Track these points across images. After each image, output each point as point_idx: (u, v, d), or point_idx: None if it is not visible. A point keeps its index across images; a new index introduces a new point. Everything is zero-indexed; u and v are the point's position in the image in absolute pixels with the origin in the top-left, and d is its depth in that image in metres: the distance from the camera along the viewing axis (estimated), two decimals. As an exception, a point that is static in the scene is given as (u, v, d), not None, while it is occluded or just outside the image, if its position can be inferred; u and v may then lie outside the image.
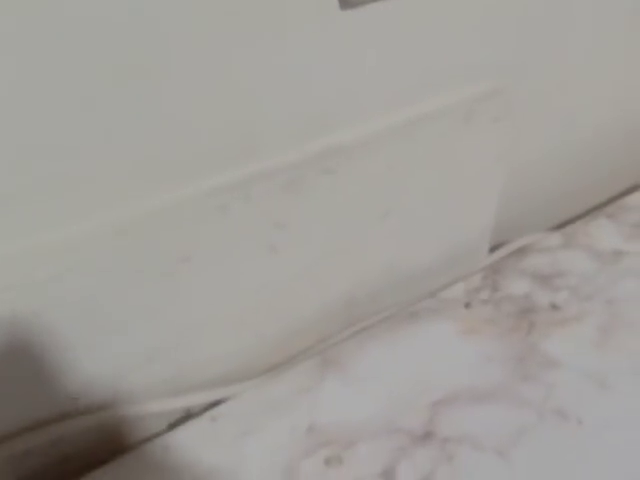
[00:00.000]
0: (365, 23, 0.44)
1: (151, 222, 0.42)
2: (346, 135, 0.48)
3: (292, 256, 0.49)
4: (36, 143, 0.36)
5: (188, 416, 0.49)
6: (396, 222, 0.53)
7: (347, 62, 0.45)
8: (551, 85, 0.60)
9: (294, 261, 0.50)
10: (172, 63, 0.38)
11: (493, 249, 0.64)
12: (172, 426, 0.49)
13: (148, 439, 0.47)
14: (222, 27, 0.39)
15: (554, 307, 0.57)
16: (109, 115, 0.38)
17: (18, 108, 0.35)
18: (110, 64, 0.36)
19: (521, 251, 0.62)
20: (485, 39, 0.52)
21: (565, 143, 0.66)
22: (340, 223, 0.50)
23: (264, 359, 0.53)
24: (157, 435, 0.47)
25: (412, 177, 0.52)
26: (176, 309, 0.46)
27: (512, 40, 0.54)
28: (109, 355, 0.44)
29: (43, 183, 0.38)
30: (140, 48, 0.37)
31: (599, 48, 0.61)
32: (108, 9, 0.34)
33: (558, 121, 0.63)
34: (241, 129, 0.44)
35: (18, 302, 0.39)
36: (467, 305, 0.57)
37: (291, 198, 0.47)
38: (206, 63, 0.39)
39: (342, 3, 0.42)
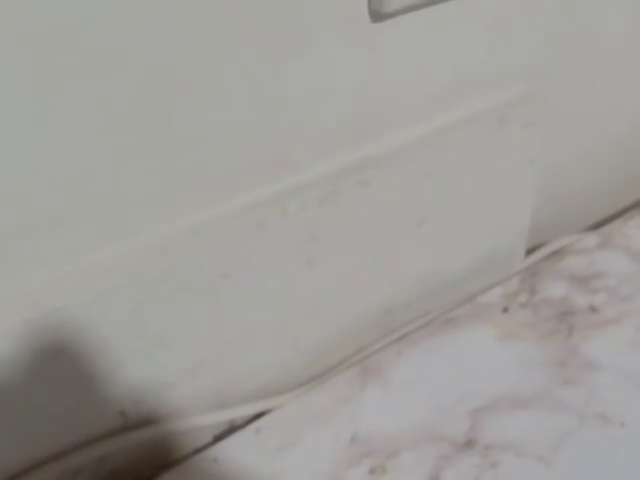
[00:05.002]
0: (396, 34, 0.45)
1: (190, 240, 0.43)
2: (379, 146, 0.48)
3: (329, 268, 0.50)
4: (78, 168, 0.37)
5: (232, 428, 0.50)
6: (431, 229, 0.54)
7: (378, 73, 0.46)
8: (583, 87, 0.60)
9: (331, 272, 0.50)
10: (206, 81, 0.39)
11: (529, 252, 0.63)
12: (217, 439, 0.49)
13: (194, 452, 0.48)
14: (255, 43, 0.39)
15: (593, 309, 0.56)
16: (146, 137, 0.39)
17: (57, 135, 0.36)
18: (145, 82, 0.37)
19: (558, 253, 0.62)
20: (515, 44, 0.52)
21: (599, 143, 0.66)
22: (376, 233, 0.51)
23: (304, 370, 0.53)
24: (203, 448, 0.48)
25: (446, 184, 0.53)
26: (217, 323, 0.46)
27: (542, 44, 0.54)
28: (154, 370, 0.45)
29: (86, 207, 0.39)
30: (176, 68, 0.37)
31: (630, 49, 0.61)
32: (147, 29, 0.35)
33: (591, 122, 0.63)
34: (275, 144, 0.44)
35: (66, 322, 0.40)
36: (505, 310, 0.57)
37: (327, 211, 0.47)
38: (240, 81, 0.40)
39: (373, 16, 0.43)
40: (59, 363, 0.41)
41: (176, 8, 0.36)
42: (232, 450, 0.47)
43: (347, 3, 0.41)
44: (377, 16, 0.43)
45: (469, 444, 0.47)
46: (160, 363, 0.45)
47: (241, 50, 0.39)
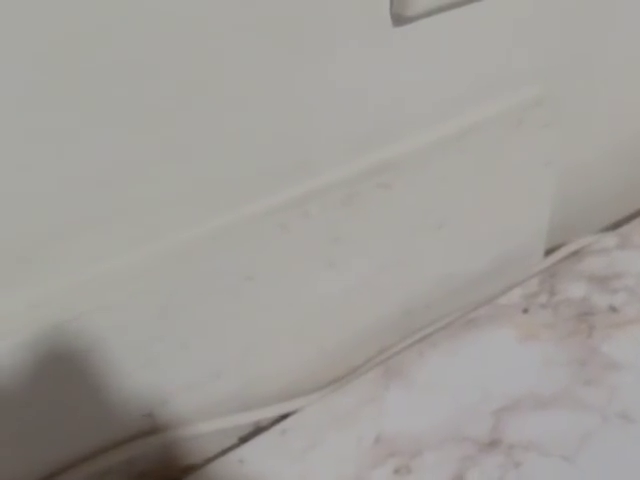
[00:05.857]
0: (415, 38, 0.45)
1: (213, 243, 0.43)
2: (399, 149, 0.49)
3: (350, 269, 0.50)
4: (104, 173, 0.38)
5: (257, 430, 0.51)
6: (451, 231, 0.54)
7: (398, 76, 0.46)
8: (599, 87, 0.60)
9: (352, 274, 0.51)
10: (226, 84, 0.39)
11: (548, 252, 0.64)
12: (243, 440, 0.50)
13: (220, 453, 0.49)
14: (276, 47, 0.40)
15: (613, 309, 0.57)
16: (169, 142, 0.39)
17: (81, 141, 0.36)
18: (166, 86, 0.37)
19: (577, 253, 0.62)
20: (531, 47, 0.52)
21: (616, 142, 0.66)
22: (396, 235, 0.51)
23: (327, 371, 0.54)
24: (229, 449, 0.49)
25: (465, 186, 0.53)
26: (241, 326, 0.47)
27: (558, 46, 0.54)
28: (181, 373, 0.45)
29: (112, 212, 0.39)
30: (196, 71, 0.38)
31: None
32: (164, 32, 0.36)
33: (607, 122, 0.63)
34: (296, 147, 0.45)
35: (90, 328, 0.40)
36: (525, 310, 0.57)
37: (348, 213, 0.47)
38: (261, 83, 0.41)
39: (395, 20, 0.43)
40: (86, 366, 0.41)
41: (196, 14, 0.36)
42: (257, 451, 0.48)
43: (369, 7, 0.42)
44: (399, 20, 0.43)
45: (493, 444, 0.47)
46: (186, 365, 0.45)
47: (261, 54, 0.40)
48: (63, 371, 0.40)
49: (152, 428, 0.46)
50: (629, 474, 0.46)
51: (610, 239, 0.63)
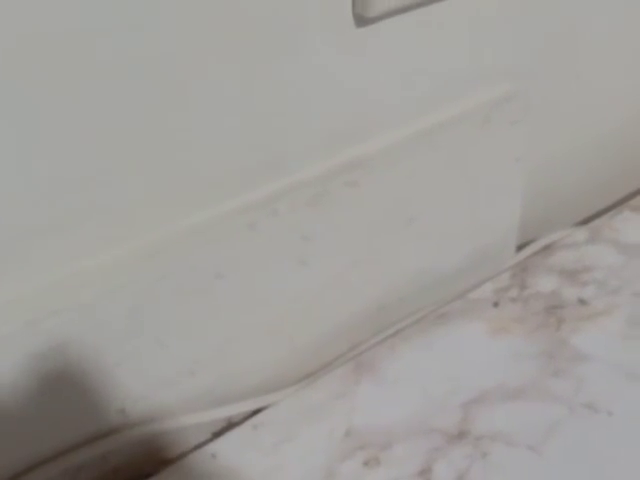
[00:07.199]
0: (380, 38, 0.46)
1: (183, 242, 0.44)
2: (367, 147, 0.50)
3: (321, 267, 0.51)
4: (74, 176, 0.39)
5: (230, 425, 0.51)
6: (421, 228, 0.55)
7: (364, 76, 0.47)
8: (567, 83, 0.61)
9: (323, 272, 0.51)
10: (194, 85, 0.40)
11: (520, 247, 0.64)
12: (216, 435, 0.51)
13: (193, 449, 0.49)
14: (244, 49, 0.41)
15: (582, 302, 0.57)
16: (139, 142, 0.40)
17: (53, 142, 0.37)
18: (136, 88, 0.38)
19: (548, 248, 0.63)
20: (497, 44, 0.53)
21: (586, 138, 0.67)
22: (366, 232, 0.52)
23: (300, 367, 0.54)
24: (202, 444, 0.49)
25: (434, 183, 0.54)
26: (213, 323, 0.48)
27: (525, 42, 0.55)
28: (153, 370, 0.46)
29: (84, 212, 0.40)
30: (164, 72, 0.39)
31: (614, 44, 0.62)
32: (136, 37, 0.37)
33: (577, 117, 0.64)
34: (264, 147, 0.45)
35: (64, 325, 0.41)
36: (496, 304, 0.58)
37: (317, 211, 0.48)
38: (230, 84, 0.41)
39: (357, 21, 0.44)
40: (59, 364, 0.42)
41: (171, 16, 0.37)
42: (230, 446, 0.49)
43: (331, 8, 0.42)
44: (361, 20, 0.44)
45: (461, 435, 0.48)
46: (158, 362, 0.46)
47: (230, 56, 0.40)
48: (36, 368, 0.41)
49: (126, 424, 0.46)
50: (595, 463, 0.47)
51: (581, 233, 0.64)
